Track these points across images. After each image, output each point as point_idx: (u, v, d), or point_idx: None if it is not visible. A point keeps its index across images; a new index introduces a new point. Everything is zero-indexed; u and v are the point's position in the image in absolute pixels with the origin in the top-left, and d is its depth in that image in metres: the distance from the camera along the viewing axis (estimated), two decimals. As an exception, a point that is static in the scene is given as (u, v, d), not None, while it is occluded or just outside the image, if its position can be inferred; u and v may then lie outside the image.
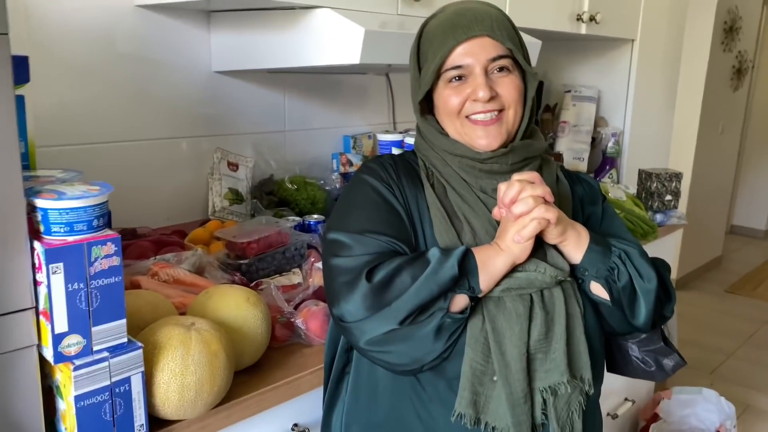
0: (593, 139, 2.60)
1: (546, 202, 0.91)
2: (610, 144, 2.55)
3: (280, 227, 1.43)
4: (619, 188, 2.28)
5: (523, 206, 0.89)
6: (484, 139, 0.97)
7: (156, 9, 1.56)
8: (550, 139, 2.59)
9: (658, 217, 2.28)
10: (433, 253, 0.90)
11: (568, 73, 2.74)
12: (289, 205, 1.78)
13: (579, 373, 0.95)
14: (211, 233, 1.51)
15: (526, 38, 1.81)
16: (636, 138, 2.68)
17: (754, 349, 3.68)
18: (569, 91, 2.63)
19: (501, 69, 0.97)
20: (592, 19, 2.21)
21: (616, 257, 0.97)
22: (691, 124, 4.38)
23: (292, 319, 1.21)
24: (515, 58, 0.97)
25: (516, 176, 0.93)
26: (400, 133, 1.98)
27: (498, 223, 0.97)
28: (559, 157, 2.38)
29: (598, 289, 0.98)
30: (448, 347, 0.91)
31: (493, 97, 0.96)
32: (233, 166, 1.77)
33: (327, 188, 1.86)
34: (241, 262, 1.35)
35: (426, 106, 1.04)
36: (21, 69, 0.93)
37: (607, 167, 2.56)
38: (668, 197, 2.29)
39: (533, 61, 1.80)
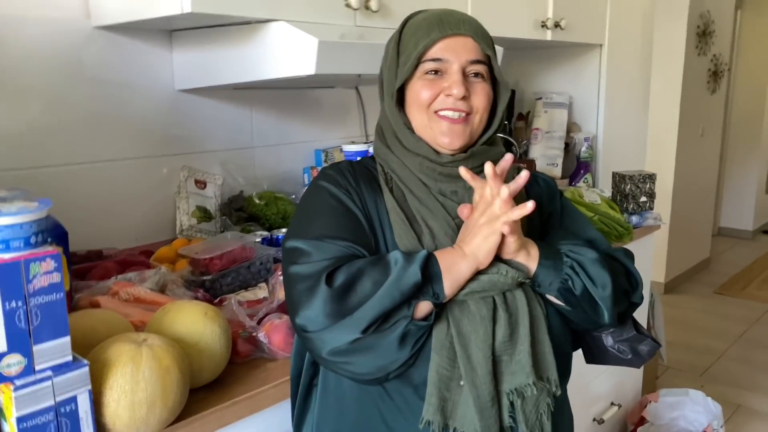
0: (566, 145, 2.61)
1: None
2: (583, 149, 2.56)
3: (244, 242, 1.41)
4: (594, 192, 2.28)
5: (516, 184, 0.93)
6: (447, 136, 0.98)
7: (116, 30, 1.57)
8: (523, 147, 2.60)
9: (634, 218, 2.28)
10: (395, 258, 0.89)
11: (539, 80, 2.76)
12: (259, 220, 1.77)
13: (545, 374, 0.95)
14: (176, 251, 1.50)
15: (488, 45, 1.82)
16: (609, 142, 2.70)
17: (744, 349, 3.67)
18: (540, 98, 2.65)
19: (476, 75, 0.98)
20: (557, 25, 2.23)
21: (568, 268, 0.96)
22: (670, 128, 4.42)
23: (254, 334, 1.19)
24: (491, 66, 0.99)
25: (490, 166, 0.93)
26: (365, 143, 1.98)
27: (458, 225, 0.97)
28: (532, 163, 2.39)
29: (555, 299, 0.98)
30: (413, 354, 0.90)
31: (466, 97, 0.97)
32: (201, 184, 1.76)
33: (298, 202, 1.85)
34: (205, 278, 1.34)
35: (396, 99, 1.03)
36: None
37: (582, 172, 2.57)
38: (643, 198, 2.30)
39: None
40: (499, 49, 1.85)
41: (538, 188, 1.12)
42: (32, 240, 0.81)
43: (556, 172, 2.55)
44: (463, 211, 0.94)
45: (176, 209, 1.72)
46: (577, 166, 2.59)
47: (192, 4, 1.24)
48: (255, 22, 1.43)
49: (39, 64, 1.47)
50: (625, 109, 2.83)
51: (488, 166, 0.92)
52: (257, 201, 1.81)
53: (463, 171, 0.93)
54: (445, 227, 0.97)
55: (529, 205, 0.89)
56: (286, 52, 1.39)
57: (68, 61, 1.51)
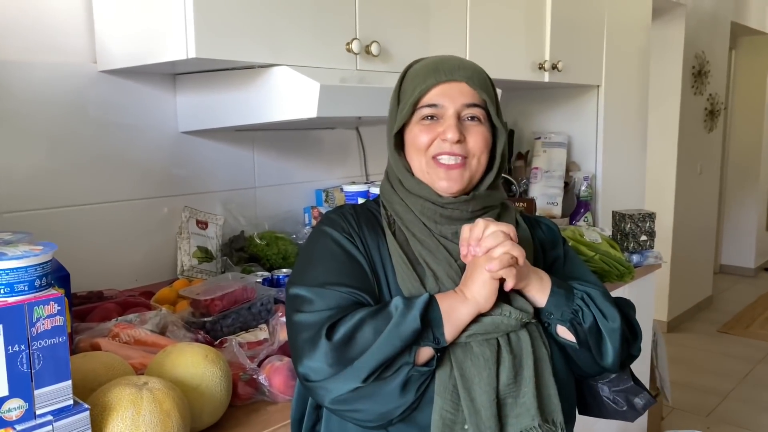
0: (566, 184, 2.62)
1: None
2: (582, 188, 2.58)
3: (245, 283, 1.42)
4: (594, 231, 2.29)
5: (492, 239, 0.91)
6: (445, 181, 0.99)
7: (120, 74, 1.60)
8: (523, 186, 2.62)
9: (635, 257, 2.28)
10: (396, 304, 0.90)
11: (538, 120, 2.80)
12: (260, 260, 1.78)
13: (550, 417, 0.94)
14: (177, 292, 1.50)
15: (487, 87, 1.85)
16: (609, 181, 2.72)
17: (749, 390, 3.62)
18: (539, 138, 2.68)
19: (472, 118, 1.00)
20: (554, 67, 2.27)
21: (579, 299, 0.97)
22: (669, 166, 4.45)
23: (255, 376, 1.18)
24: (488, 110, 1.00)
25: (480, 219, 0.95)
26: (366, 183, 2.00)
27: (461, 267, 0.97)
28: (532, 202, 2.40)
29: (564, 332, 0.98)
30: (416, 399, 0.90)
31: (461, 141, 0.98)
32: (202, 225, 1.77)
33: (299, 242, 1.86)
34: (205, 319, 1.33)
35: (397, 144, 1.06)
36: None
37: (582, 210, 2.58)
38: (643, 237, 2.30)
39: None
40: (497, 91, 1.88)
41: (542, 233, 1.13)
42: (36, 283, 0.81)
43: (556, 211, 2.56)
44: (462, 253, 0.95)
45: (177, 249, 1.73)
46: (577, 205, 2.61)
47: (197, 49, 1.27)
48: (258, 66, 1.46)
49: (45, 108, 1.50)
50: (624, 149, 2.86)
51: (464, 229, 0.95)
52: (258, 241, 1.81)
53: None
54: (447, 269, 0.97)
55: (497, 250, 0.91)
56: (289, 96, 1.42)
57: (73, 104, 1.54)
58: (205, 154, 1.82)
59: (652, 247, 2.33)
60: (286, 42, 1.45)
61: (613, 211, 2.36)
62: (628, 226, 2.29)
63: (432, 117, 0.99)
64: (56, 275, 1.18)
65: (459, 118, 0.99)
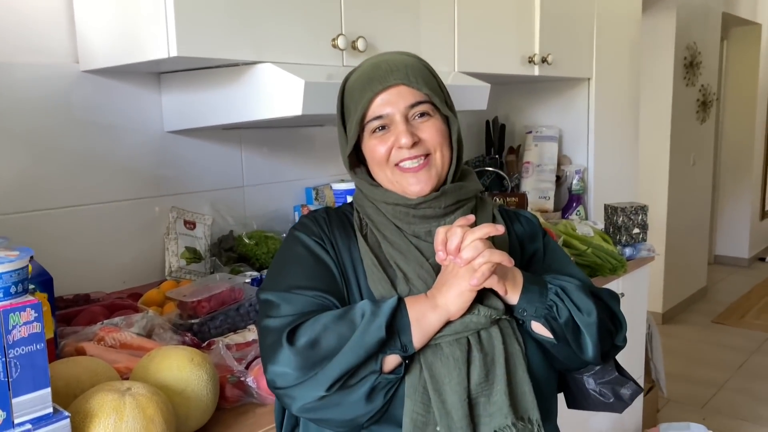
0: (558, 178, 2.62)
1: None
2: (574, 181, 2.57)
3: (233, 283, 1.40)
4: (587, 224, 2.28)
5: (472, 251, 0.88)
6: (415, 185, 0.98)
7: (103, 73, 1.57)
8: (515, 180, 2.61)
9: (627, 251, 2.27)
10: (362, 310, 0.89)
11: (529, 114, 2.79)
12: (249, 260, 1.76)
13: (525, 414, 0.92)
14: (164, 294, 1.48)
15: (475, 82, 1.84)
16: (601, 174, 2.71)
17: (744, 380, 3.63)
18: (530, 132, 2.67)
19: (422, 115, 0.98)
20: (544, 60, 2.26)
21: (553, 294, 0.95)
22: (661, 158, 4.45)
23: (243, 378, 1.17)
24: (434, 103, 0.99)
25: (457, 222, 0.92)
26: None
27: (433, 266, 0.96)
28: (524, 197, 2.39)
29: (539, 328, 0.96)
30: (384, 404, 0.89)
31: (416, 142, 0.97)
32: (190, 225, 1.75)
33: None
34: (192, 321, 1.32)
35: (356, 159, 1.05)
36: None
37: (574, 204, 2.57)
38: (636, 230, 2.29)
39: (483, 104, 1.83)
40: (485, 85, 1.86)
41: (520, 227, 1.11)
42: (12, 290, 0.80)
43: (548, 205, 2.55)
44: (438, 258, 0.92)
45: (165, 251, 1.71)
46: (569, 198, 2.60)
47: (178, 48, 1.25)
48: (242, 64, 1.44)
49: (27, 109, 1.47)
50: (615, 141, 2.85)
51: (440, 231, 0.91)
52: (247, 241, 1.79)
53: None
54: (418, 270, 0.96)
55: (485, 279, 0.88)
56: (274, 94, 1.40)
57: (56, 105, 1.52)
58: (192, 154, 1.80)
59: (644, 240, 2.32)
60: (270, 39, 1.43)
61: (605, 205, 2.35)
62: (621, 219, 2.28)
63: (382, 127, 0.98)
64: (39, 279, 1.16)
65: (408, 120, 0.97)
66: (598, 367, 1.06)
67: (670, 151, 4.44)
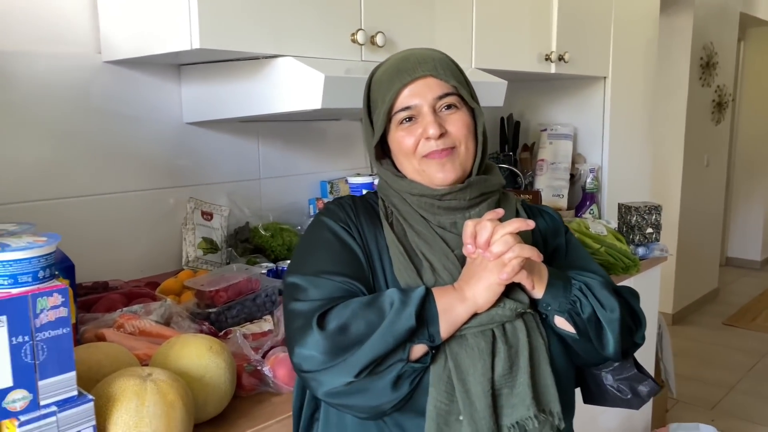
0: (572, 176, 2.61)
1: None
2: (588, 180, 2.56)
3: (250, 274, 1.42)
4: (600, 223, 2.28)
5: (502, 246, 0.88)
6: (440, 173, 0.99)
7: (125, 64, 1.59)
8: (529, 178, 2.61)
9: (640, 250, 2.27)
10: (391, 299, 0.89)
11: (544, 111, 2.78)
12: (265, 252, 1.78)
13: (547, 407, 0.93)
14: (182, 283, 1.50)
15: (492, 79, 1.84)
16: (615, 173, 2.70)
17: (755, 382, 3.61)
18: (545, 130, 2.66)
19: (449, 107, 0.99)
20: (560, 58, 2.25)
21: (576, 290, 0.96)
22: (675, 158, 4.43)
23: (259, 367, 1.19)
24: (461, 95, 1.00)
25: (486, 216, 0.93)
26: (371, 175, 1.99)
27: (458, 258, 0.97)
28: (538, 194, 2.39)
29: (562, 323, 0.97)
30: (409, 392, 0.90)
31: (443, 134, 0.98)
32: (207, 216, 1.77)
33: (301, 237, 1.85)
34: (210, 310, 1.34)
35: (381, 150, 1.06)
36: (-26, 125, 0.94)
37: (588, 203, 2.57)
38: (649, 230, 2.29)
39: (500, 100, 1.83)
40: (502, 82, 1.87)
41: (543, 222, 1.12)
42: (40, 275, 0.82)
43: (562, 203, 2.55)
44: (466, 250, 0.92)
45: (182, 241, 1.73)
46: (583, 197, 2.59)
47: (201, 40, 1.27)
48: (262, 57, 1.45)
49: (49, 98, 1.49)
50: (630, 141, 2.84)
51: (468, 224, 0.91)
52: (263, 232, 1.81)
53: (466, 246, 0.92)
54: (444, 261, 0.97)
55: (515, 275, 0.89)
56: (293, 87, 1.41)
57: (78, 94, 1.54)
58: (210, 145, 1.82)
59: (658, 240, 2.32)
60: (290, 33, 1.44)
61: (618, 204, 2.35)
62: (634, 218, 2.28)
63: (409, 119, 0.99)
64: (61, 266, 1.18)
65: (435, 112, 0.98)
66: (616, 364, 1.07)
67: (684, 151, 4.41)
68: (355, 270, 0.97)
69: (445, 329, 0.90)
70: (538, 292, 0.95)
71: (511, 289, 0.94)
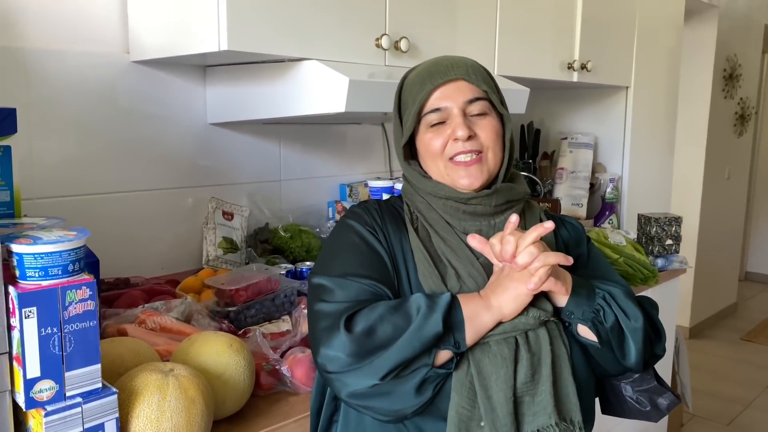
0: (591, 185, 2.60)
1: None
2: (608, 190, 2.55)
3: (269, 274, 1.43)
4: (619, 233, 2.27)
5: (528, 256, 0.88)
6: (466, 178, 0.99)
7: (152, 64, 1.62)
8: (548, 186, 2.60)
9: (659, 261, 2.26)
10: (418, 304, 0.90)
11: (565, 120, 2.78)
12: (284, 253, 1.79)
13: (568, 416, 0.93)
14: (202, 282, 1.52)
15: (514, 86, 1.85)
16: (635, 183, 2.69)
17: (772, 399, 3.56)
18: (566, 138, 2.66)
19: (479, 114, 1.00)
20: (583, 67, 2.25)
21: (600, 299, 0.96)
22: (696, 170, 4.39)
23: (277, 367, 1.20)
24: (492, 101, 1.00)
25: (507, 227, 0.92)
26: (391, 179, 2.00)
27: (483, 265, 0.97)
28: (557, 203, 2.38)
29: (585, 332, 0.96)
30: (432, 397, 0.90)
31: (472, 137, 0.98)
32: (228, 216, 1.79)
33: (322, 236, 1.87)
34: (230, 309, 1.35)
35: (409, 152, 1.06)
36: (8, 121, 0.96)
37: (607, 213, 2.56)
38: (669, 242, 2.27)
39: (522, 107, 1.83)
40: (524, 90, 1.87)
41: (566, 232, 1.12)
42: (70, 268, 0.83)
43: (581, 212, 2.54)
44: (471, 241, 0.94)
45: (203, 239, 1.75)
46: (602, 207, 2.58)
47: (228, 42, 1.28)
48: (288, 60, 1.47)
49: (78, 96, 1.52)
50: (651, 151, 2.82)
51: (494, 244, 0.91)
52: (282, 233, 1.83)
53: (471, 240, 0.94)
54: (469, 267, 0.97)
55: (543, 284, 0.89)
56: (317, 90, 1.43)
57: (105, 93, 1.57)
58: (233, 146, 1.84)
59: (677, 252, 2.30)
60: (315, 36, 1.45)
61: (638, 214, 2.33)
62: (654, 229, 2.27)
63: (440, 122, 1.00)
64: (86, 261, 1.20)
65: (465, 115, 0.99)
66: (636, 375, 1.06)
67: (704, 163, 4.37)
68: (381, 273, 0.97)
69: (470, 336, 0.90)
70: (563, 300, 0.95)
71: (536, 297, 0.94)
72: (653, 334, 1.01)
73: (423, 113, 1.00)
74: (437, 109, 0.99)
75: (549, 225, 0.89)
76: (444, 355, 0.90)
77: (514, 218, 0.91)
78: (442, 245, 0.99)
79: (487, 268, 0.96)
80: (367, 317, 0.89)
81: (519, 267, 0.89)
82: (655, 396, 1.08)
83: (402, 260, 1.00)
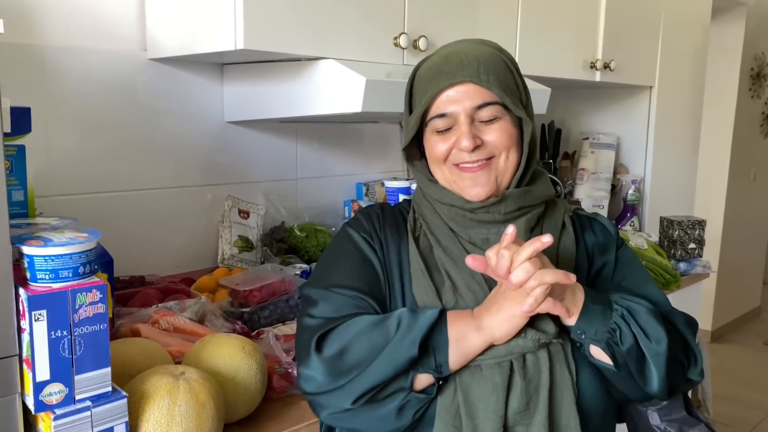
0: (613, 187, 2.56)
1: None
2: (630, 191, 2.51)
3: (283, 275, 1.42)
4: (641, 236, 2.22)
5: (523, 273, 0.79)
6: (472, 188, 0.92)
7: (169, 62, 1.61)
8: (568, 187, 2.56)
9: (682, 265, 2.21)
10: (398, 320, 0.84)
11: (586, 120, 2.73)
12: (299, 252, 1.78)
13: None
14: (217, 281, 1.51)
15: (535, 86, 1.81)
16: (658, 185, 2.64)
17: (795, 406, 3.49)
18: (587, 138, 2.61)
19: (490, 120, 0.91)
20: (606, 66, 2.20)
21: (618, 316, 0.86)
22: (720, 171, 4.31)
23: (290, 370, 1.18)
24: (506, 104, 0.91)
25: (503, 240, 0.83)
26: (408, 180, 1.98)
27: (485, 278, 0.89)
28: (578, 204, 2.34)
29: (599, 353, 0.87)
30: (415, 420, 0.85)
31: (479, 146, 0.91)
32: (244, 214, 1.78)
33: (336, 238, 1.85)
34: (243, 310, 1.34)
35: (418, 151, 1.00)
36: (22, 120, 0.95)
37: (629, 215, 2.51)
38: (691, 245, 2.22)
39: (542, 107, 1.80)
40: (546, 89, 1.83)
41: (592, 237, 1.00)
42: (80, 270, 0.82)
43: (602, 213, 2.49)
44: (468, 261, 0.84)
45: (219, 238, 1.74)
46: (624, 208, 2.54)
47: (245, 41, 1.27)
48: (304, 59, 1.45)
49: (95, 93, 1.52)
50: (674, 152, 2.77)
51: (491, 258, 0.81)
52: (298, 233, 1.81)
53: (469, 261, 0.83)
54: (468, 281, 0.90)
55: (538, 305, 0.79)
56: (334, 90, 1.41)
57: (122, 90, 1.56)
58: (249, 145, 1.83)
59: (700, 256, 2.25)
60: (333, 35, 1.44)
61: (661, 217, 2.29)
62: (677, 232, 2.22)
63: (446, 129, 0.92)
64: (100, 260, 1.20)
65: (473, 122, 0.91)
66: (664, 402, 0.96)
67: (729, 164, 4.29)
68: (369, 285, 0.92)
69: (455, 359, 0.83)
70: (572, 319, 0.86)
71: (537, 317, 0.85)
72: (685, 356, 0.90)
73: (428, 118, 0.93)
74: (442, 115, 0.91)
75: (546, 239, 0.79)
76: (426, 378, 0.84)
77: (510, 229, 0.82)
78: (442, 255, 0.92)
79: (491, 281, 0.89)
80: (341, 337, 0.84)
81: (513, 285, 0.80)
82: (686, 427, 0.96)
83: (398, 271, 0.94)
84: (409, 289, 0.92)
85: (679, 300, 2.11)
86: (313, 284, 0.94)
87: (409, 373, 0.83)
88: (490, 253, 0.82)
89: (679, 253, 2.22)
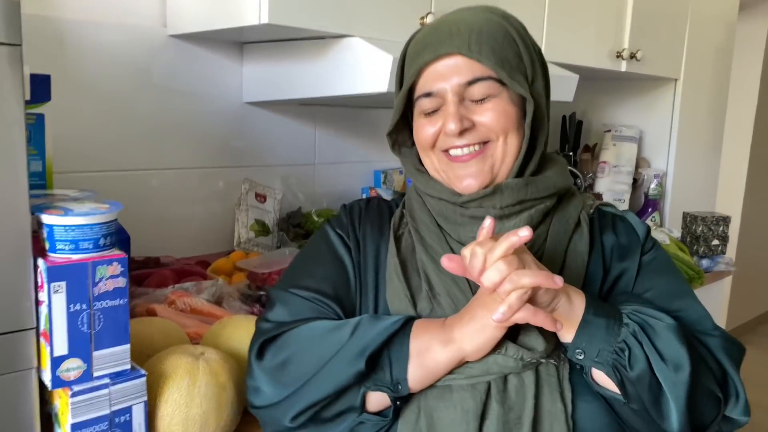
0: (635, 181, 2.51)
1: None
2: (652, 186, 2.45)
3: (303, 259, 1.38)
4: (663, 231, 2.17)
5: (495, 274, 0.65)
6: (464, 179, 0.80)
7: (189, 39, 1.58)
8: (589, 180, 2.51)
9: (705, 262, 2.16)
10: (353, 329, 0.74)
11: (608, 112, 2.68)
12: (316, 238, 1.74)
13: None
14: (233, 264, 1.48)
15: (562, 72, 1.76)
16: (680, 180, 2.58)
17: (813, 410, 3.42)
18: (609, 131, 2.56)
19: (482, 99, 0.79)
20: (632, 56, 2.15)
21: (628, 333, 0.69)
22: (739, 168, 4.25)
23: (309, 354, 1.15)
24: (502, 79, 0.78)
25: (480, 236, 0.71)
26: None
27: (471, 284, 0.78)
28: (598, 198, 2.30)
29: (603, 379, 0.71)
30: None
31: (468, 128, 0.78)
32: (261, 198, 1.75)
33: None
34: (261, 293, 1.31)
35: (409, 137, 0.88)
36: (42, 87, 0.92)
37: (650, 210, 2.46)
38: (715, 242, 2.17)
39: (569, 95, 1.74)
40: (573, 76, 1.78)
41: (613, 238, 0.84)
42: (101, 242, 0.79)
43: (623, 208, 2.45)
44: (444, 261, 0.71)
45: (235, 221, 1.71)
46: (645, 203, 2.48)
47: (270, 15, 1.23)
48: (329, 37, 1.41)
49: (113, 70, 1.49)
50: (698, 147, 2.71)
51: (465, 257, 0.68)
52: (315, 218, 1.78)
53: (444, 262, 0.71)
54: (449, 285, 0.78)
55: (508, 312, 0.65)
56: (360, 69, 1.37)
57: (140, 67, 1.53)
58: (268, 127, 1.79)
59: (724, 253, 2.20)
60: (359, 13, 1.39)
61: (684, 213, 2.24)
62: (700, 228, 2.17)
63: (434, 110, 0.81)
64: (117, 238, 1.16)
65: (463, 99, 0.78)
66: None
67: (749, 161, 4.23)
68: (335, 288, 0.83)
69: (416, 376, 0.71)
70: (568, 334, 0.71)
71: (524, 329, 0.72)
72: (720, 389, 0.73)
73: (415, 97, 0.81)
74: (428, 93, 0.79)
75: (524, 233, 0.66)
76: (384, 397, 0.73)
77: (487, 222, 0.70)
78: (424, 256, 0.81)
79: (477, 288, 0.75)
80: (288, 344, 0.76)
81: (486, 289, 0.67)
82: None
83: (373, 273, 0.84)
84: (384, 294, 0.82)
85: (701, 298, 2.06)
86: (278, 284, 0.88)
87: (359, 390, 0.72)
88: (465, 251, 0.69)
89: (702, 249, 2.17)
